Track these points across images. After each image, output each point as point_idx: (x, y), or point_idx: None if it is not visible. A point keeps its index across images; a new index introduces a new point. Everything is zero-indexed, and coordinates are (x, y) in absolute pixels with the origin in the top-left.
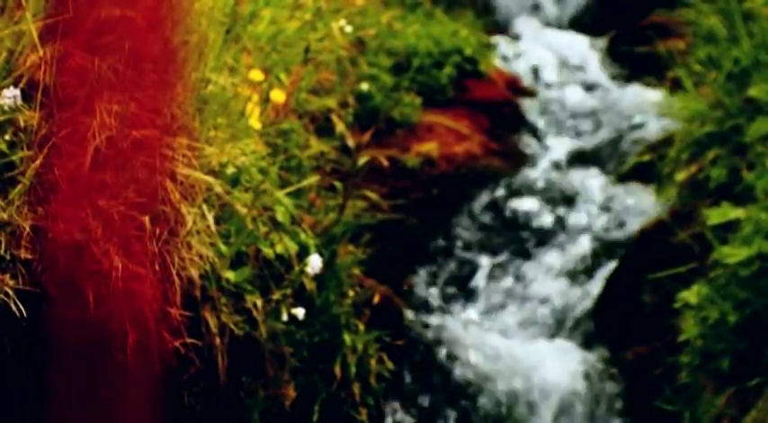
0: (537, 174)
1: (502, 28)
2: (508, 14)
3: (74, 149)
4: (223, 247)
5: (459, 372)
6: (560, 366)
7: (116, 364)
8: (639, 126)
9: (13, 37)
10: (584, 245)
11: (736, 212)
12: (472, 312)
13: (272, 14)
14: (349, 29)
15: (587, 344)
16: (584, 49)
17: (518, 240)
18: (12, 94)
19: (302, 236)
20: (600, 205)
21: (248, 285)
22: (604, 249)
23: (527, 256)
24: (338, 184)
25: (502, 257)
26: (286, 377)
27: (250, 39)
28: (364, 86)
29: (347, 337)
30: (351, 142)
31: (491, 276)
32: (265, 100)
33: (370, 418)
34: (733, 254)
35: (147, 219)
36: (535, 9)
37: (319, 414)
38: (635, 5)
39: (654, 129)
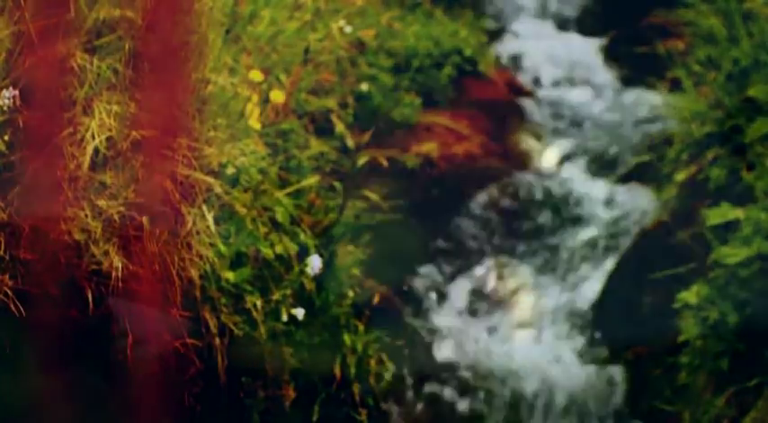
0: (536, 174)
1: (501, 28)
2: (508, 14)
3: (73, 149)
4: (223, 248)
5: (459, 372)
6: (560, 367)
7: (116, 364)
8: (639, 126)
9: (12, 37)
10: (583, 245)
11: (736, 213)
12: (472, 313)
13: (272, 15)
14: (349, 29)
15: (587, 344)
16: (583, 49)
17: (518, 241)
18: (11, 95)
19: (302, 236)
20: (600, 205)
21: (248, 286)
22: (604, 249)
23: (527, 256)
24: (338, 184)
25: (502, 257)
26: (286, 377)
27: (250, 39)
28: (364, 87)
29: (347, 338)
30: (350, 142)
31: (491, 276)
32: (265, 100)
33: (370, 418)
34: (733, 254)
35: (146, 219)
36: (535, 9)
37: (319, 414)
38: (635, 5)
39: (653, 129)
